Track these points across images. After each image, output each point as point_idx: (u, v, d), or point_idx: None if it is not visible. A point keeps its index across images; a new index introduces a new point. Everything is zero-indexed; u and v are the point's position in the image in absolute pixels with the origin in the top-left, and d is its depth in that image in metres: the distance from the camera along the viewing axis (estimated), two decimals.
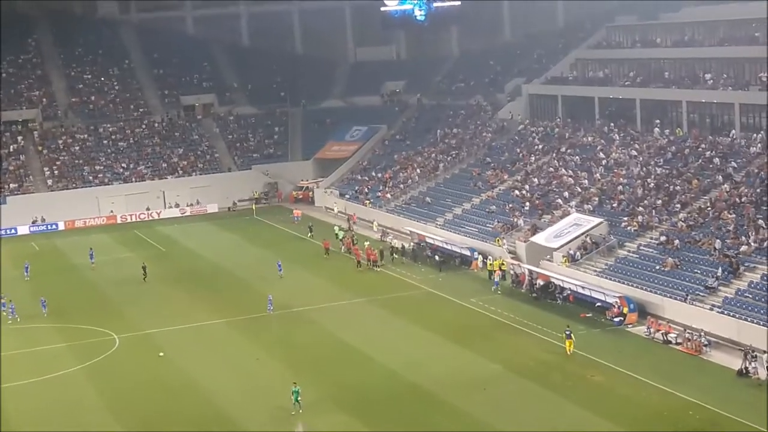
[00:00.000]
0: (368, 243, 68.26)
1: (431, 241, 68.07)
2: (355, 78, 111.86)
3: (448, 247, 66.54)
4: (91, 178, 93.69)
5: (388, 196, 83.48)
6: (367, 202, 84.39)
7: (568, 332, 45.29)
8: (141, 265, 65.16)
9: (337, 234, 74.92)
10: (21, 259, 71.75)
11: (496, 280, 58.08)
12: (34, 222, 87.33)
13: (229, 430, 37.35)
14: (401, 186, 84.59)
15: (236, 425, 37.77)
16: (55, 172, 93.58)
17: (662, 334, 46.24)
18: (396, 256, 66.60)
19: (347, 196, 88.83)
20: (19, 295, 60.45)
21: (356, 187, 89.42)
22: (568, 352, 44.53)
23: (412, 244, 69.42)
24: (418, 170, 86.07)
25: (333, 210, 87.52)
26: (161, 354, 47.92)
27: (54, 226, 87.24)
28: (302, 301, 56.68)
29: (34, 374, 45.66)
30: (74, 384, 44.33)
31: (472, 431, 36.01)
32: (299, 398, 38.09)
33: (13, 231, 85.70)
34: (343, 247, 70.58)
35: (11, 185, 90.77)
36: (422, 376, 42.45)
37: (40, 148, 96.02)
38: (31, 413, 40.73)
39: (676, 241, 54.53)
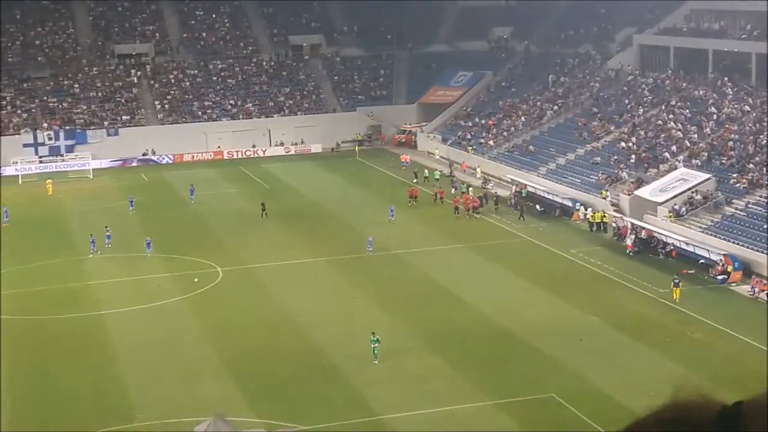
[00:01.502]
0: (471, 189, 68.03)
1: (533, 190, 67.58)
2: (462, 23, 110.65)
3: (550, 197, 65.99)
4: (200, 113, 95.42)
5: (491, 143, 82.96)
6: (470, 148, 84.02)
7: (676, 281, 45.63)
8: (260, 202, 65.39)
9: (428, 177, 75.14)
10: (129, 190, 73.74)
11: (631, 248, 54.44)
12: (144, 154, 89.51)
13: (323, 366, 38.12)
14: (504, 133, 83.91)
15: (330, 361, 38.50)
16: (166, 106, 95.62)
17: (767, 294, 45.29)
18: (498, 206, 65.60)
19: (450, 141, 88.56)
20: (122, 227, 61.94)
21: (459, 133, 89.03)
22: (675, 300, 44.73)
23: (513, 192, 68.94)
24: (522, 118, 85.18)
25: (434, 155, 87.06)
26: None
27: (163, 159, 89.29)
28: (401, 244, 57.04)
29: (139, 302, 47.20)
30: (177, 313, 45.72)
31: (563, 380, 36.04)
32: (377, 350, 37.98)
33: (123, 162, 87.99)
34: (438, 194, 68.84)
35: (123, 117, 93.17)
36: (516, 322, 42.53)
37: (151, 82, 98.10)
38: (132, 339, 42.22)
39: None
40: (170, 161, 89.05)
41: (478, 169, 77.30)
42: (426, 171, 77.37)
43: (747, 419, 2.28)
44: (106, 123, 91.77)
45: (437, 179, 74.60)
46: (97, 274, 52.10)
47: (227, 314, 45.27)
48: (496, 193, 68.45)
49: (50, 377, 37.99)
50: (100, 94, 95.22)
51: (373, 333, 38.64)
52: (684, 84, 77.51)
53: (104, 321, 44.58)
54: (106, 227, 58.23)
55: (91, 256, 55.44)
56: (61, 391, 36.58)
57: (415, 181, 74.79)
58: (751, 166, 59.00)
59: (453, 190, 70.03)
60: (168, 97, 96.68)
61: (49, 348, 41.26)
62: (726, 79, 74.65)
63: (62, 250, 56.63)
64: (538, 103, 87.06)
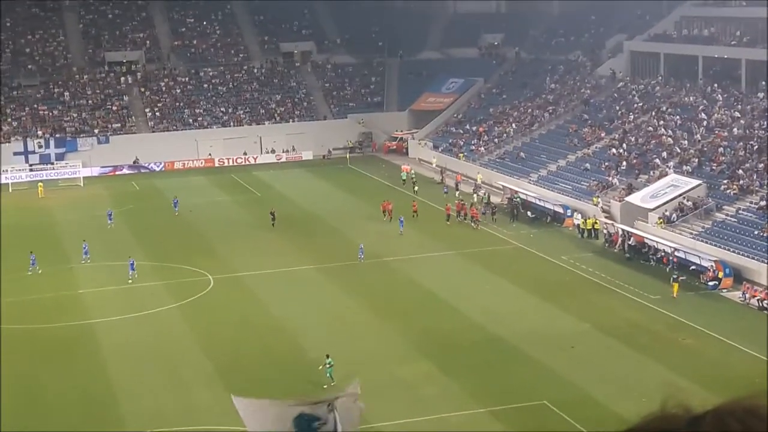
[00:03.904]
0: (461, 197, 67.94)
1: (524, 197, 67.57)
2: (453, 30, 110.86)
3: (541, 203, 66.03)
4: (190, 120, 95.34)
5: (482, 149, 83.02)
6: (461, 155, 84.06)
7: (675, 277, 47.65)
8: (270, 211, 64.46)
9: (406, 179, 75.81)
10: (119, 198, 73.57)
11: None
12: (135, 162, 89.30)
13: (314, 373, 38.01)
14: (496, 140, 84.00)
15: (322, 369, 38.38)
16: (157, 113, 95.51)
17: (758, 300, 45.37)
18: (496, 216, 64.10)
19: (441, 148, 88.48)
20: (111, 236, 62.04)
21: (450, 140, 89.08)
22: (674, 295, 46.24)
23: (504, 199, 68.92)
24: (513, 125, 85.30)
25: (431, 164, 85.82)
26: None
27: (154, 167, 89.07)
28: (393, 251, 56.96)
29: (131, 310, 47.05)
30: (169, 321, 45.61)
31: (555, 387, 36.03)
32: (332, 372, 36.84)
33: (113, 169, 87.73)
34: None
35: (114, 125, 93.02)
36: (508, 329, 42.52)
37: (142, 89, 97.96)
38: (125, 346, 42.09)
39: None
40: (161, 169, 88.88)
41: (479, 177, 76.36)
42: (404, 174, 77.22)
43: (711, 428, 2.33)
44: (96, 131, 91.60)
45: (413, 178, 75.34)
46: (87, 283, 51.88)
47: (218, 322, 45.16)
48: (493, 203, 67.46)
49: (40, 386, 37.82)
50: (90, 102, 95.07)
51: (327, 355, 37.58)
52: (674, 90, 77.75)
53: (94, 330, 44.42)
54: (84, 240, 57.38)
55: (29, 273, 53.32)
56: (51, 400, 36.43)
57: (415, 189, 72.92)
58: (741, 172, 59.14)
59: (452, 195, 69.87)
60: (159, 104, 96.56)
61: (39, 356, 41.09)
62: (716, 85, 74.91)
63: (51, 259, 56.29)
64: (529, 110, 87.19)
